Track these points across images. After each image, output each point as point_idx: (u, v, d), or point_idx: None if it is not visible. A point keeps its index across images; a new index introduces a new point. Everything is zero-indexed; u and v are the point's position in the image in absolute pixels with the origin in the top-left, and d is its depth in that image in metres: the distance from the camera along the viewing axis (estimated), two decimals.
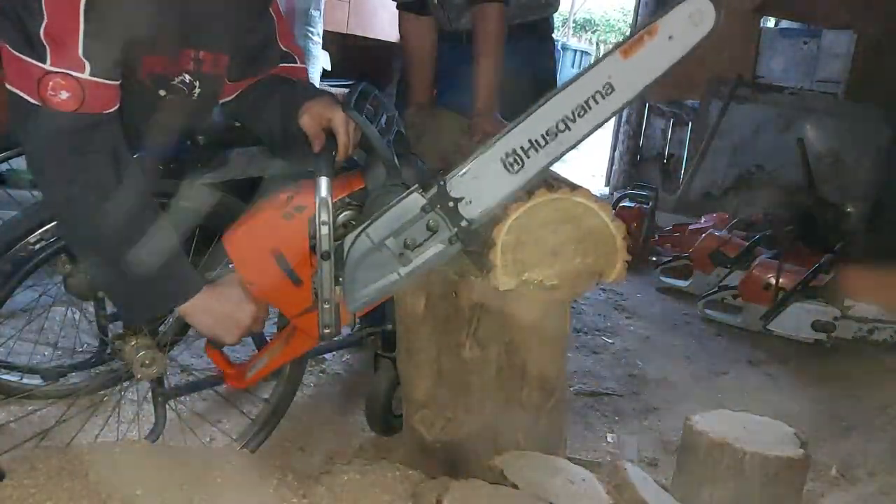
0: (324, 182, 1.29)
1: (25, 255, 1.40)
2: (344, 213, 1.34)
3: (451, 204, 1.30)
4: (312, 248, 1.32)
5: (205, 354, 2.26)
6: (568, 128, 1.30)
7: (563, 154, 1.31)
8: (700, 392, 2.61)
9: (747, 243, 3.53)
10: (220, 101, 1.61)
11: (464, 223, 1.31)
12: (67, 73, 1.18)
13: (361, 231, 1.30)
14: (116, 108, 1.27)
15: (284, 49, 1.59)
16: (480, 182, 1.30)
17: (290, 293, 1.36)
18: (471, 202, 1.31)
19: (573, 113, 1.30)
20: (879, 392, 2.62)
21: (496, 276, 1.32)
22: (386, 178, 1.33)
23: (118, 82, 1.27)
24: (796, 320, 3.04)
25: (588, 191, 1.33)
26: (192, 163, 1.71)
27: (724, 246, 3.56)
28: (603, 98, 1.30)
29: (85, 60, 1.19)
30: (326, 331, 1.36)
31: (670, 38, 1.28)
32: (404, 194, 1.30)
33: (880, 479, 2.06)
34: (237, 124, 1.84)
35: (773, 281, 3.14)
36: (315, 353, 2.26)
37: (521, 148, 1.30)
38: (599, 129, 1.35)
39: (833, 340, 3.03)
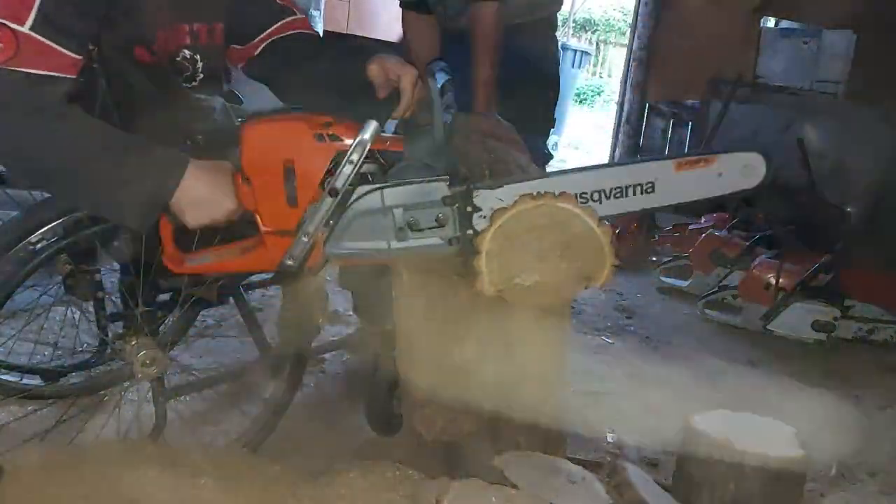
0: (372, 126, 1.29)
1: (26, 256, 1.39)
2: (369, 165, 1.33)
3: (468, 209, 1.32)
4: (324, 180, 1.31)
5: (205, 354, 2.27)
6: (599, 201, 1.36)
7: None
8: (700, 392, 2.61)
9: (747, 243, 3.53)
10: (240, 66, 1.61)
11: (469, 232, 1.33)
12: (3, 24, 1.16)
13: (378, 188, 1.31)
14: (67, 77, 1.24)
15: (280, 3, 1.59)
16: (502, 204, 1.33)
17: (279, 208, 1.33)
18: (485, 217, 1.33)
19: (610, 191, 1.35)
20: (879, 392, 2.62)
21: (482, 283, 1.33)
22: (425, 155, 1.34)
23: (74, 54, 1.24)
24: (796, 320, 3.04)
25: (571, 196, 1.34)
26: None
27: (724, 246, 3.55)
28: (641, 192, 1.37)
29: (31, 14, 1.17)
30: (289, 262, 1.33)
31: (720, 174, 1.38)
32: (434, 177, 1.31)
33: (880, 479, 2.06)
34: (238, 123, 1.84)
35: (773, 281, 3.14)
36: (315, 352, 2.26)
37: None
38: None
39: (833, 340, 3.03)
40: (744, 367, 2.88)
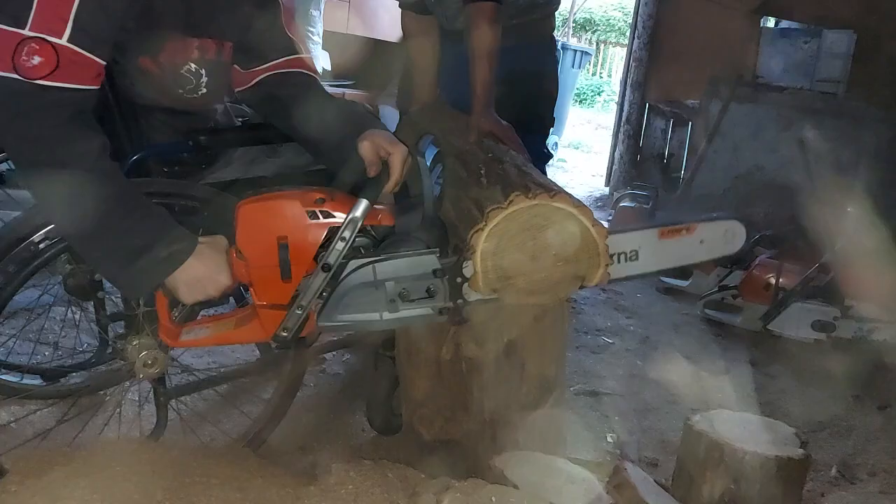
0: (363, 204, 1.32)
1: (29, 255, 1.40)
2: (361, 239, 1.35)
3: (458, 280, 1.34)
4: (317, 255, 1.33)
5: (206, 354, 2.27)
6: None
7: None
8: (700, 392, 2.61)
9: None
10: (236, 90, 1.61)
11: (460, 302, 1.35)
12: (43, 38, 1.16)
13: (370, 263, 1.33)
14: (95, 88, 1.25)
15: (290, 36, 1.59)
16: None
17: (273, 283, 1.35)
18: None
19: None
20: (879, 392, 2.62)
21: (476, 283, 1.33)
22: (415, 228, 1.36)
23: (102, 62, 1.24)
24: (796, 320, 3.04)
25: (567, 195, 1.34)
26: (194, 163, 1.71)
27: None
28: (626, 260, 1.40)
29: (68, 26, 1.17)
30: (283, 334, 1.36)
31: (702, 241, 1.43)
32: (424, 250, 1.33)
33: (880, 479, 2.06)
34: (238, 123, 1.84)
35: (773, 281, 3.14)
36: (315, 352, 2.26)
37: None
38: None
39: (833, 340, 3.03)
40: (744, 367, 2.88)
